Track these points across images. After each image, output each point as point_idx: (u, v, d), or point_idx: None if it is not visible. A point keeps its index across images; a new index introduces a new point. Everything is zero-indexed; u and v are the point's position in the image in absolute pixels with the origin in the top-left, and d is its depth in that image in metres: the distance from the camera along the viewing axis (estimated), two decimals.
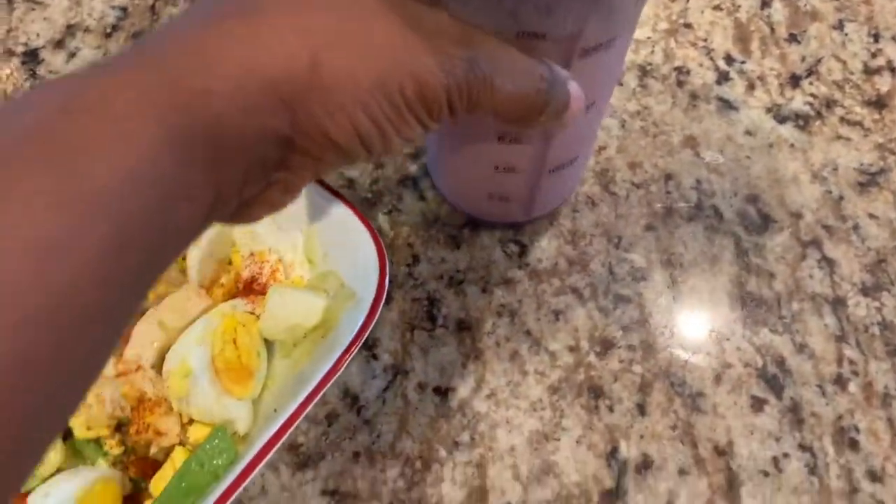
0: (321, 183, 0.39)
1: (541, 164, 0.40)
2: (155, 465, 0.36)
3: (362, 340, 0.36)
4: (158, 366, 0.37)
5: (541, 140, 0.38)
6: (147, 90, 0.19)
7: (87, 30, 0.56)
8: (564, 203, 0.48)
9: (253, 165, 0.22)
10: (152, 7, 0.57)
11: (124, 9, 0.57)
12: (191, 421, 0.37)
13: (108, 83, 0.19)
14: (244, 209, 0.25)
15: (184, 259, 0.42)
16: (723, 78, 0.54)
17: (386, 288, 0.37)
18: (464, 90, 0.25)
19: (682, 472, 0.40)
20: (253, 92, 0.21)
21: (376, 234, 0.38)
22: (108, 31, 0.56)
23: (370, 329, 0.36)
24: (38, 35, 0.55)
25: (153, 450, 0.36)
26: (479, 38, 0.25)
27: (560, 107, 0.28)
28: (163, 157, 0.19)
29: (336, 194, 0.39)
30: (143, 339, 0.37)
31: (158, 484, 0.35)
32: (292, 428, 0.34)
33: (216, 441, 0.34)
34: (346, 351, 0.35)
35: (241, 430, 0.36)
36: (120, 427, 0.37)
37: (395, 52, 0.23)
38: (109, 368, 0.36)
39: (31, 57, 0.54)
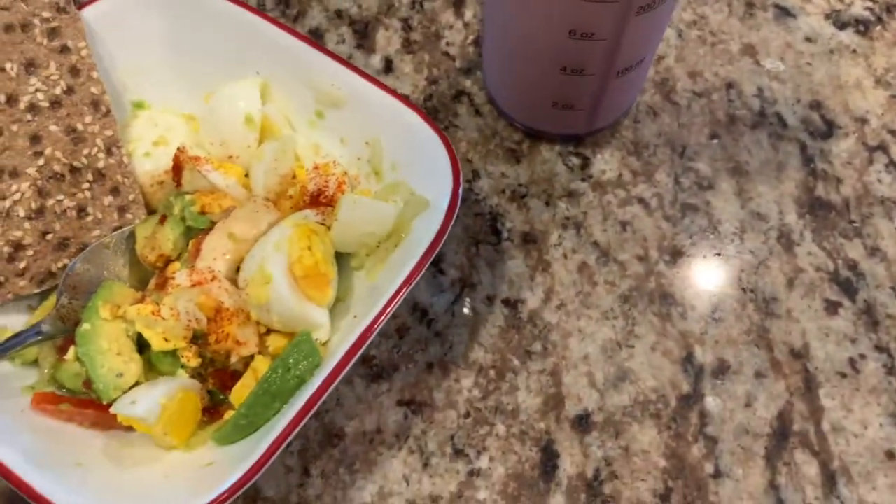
0: (388, 90, 0.38)
1: (610, 65, 0.39)
2: (234, 377, 0.36)
3: (441, 244, 0.35)
4: (232, 278, 0.37)
5: (614, 35, 0.37)
6: None
7: None
8: (625, 114, 0.47)
9: None
10: None
11: None
12: (268, 332, 0.37)
13: None
14: None
15: (247, 175, 0.41)
16: None
17: (461, 192, 0.36)
18: None
19: (758, 375, 0.40)
20: None
21: (446, 137, 0.37)
22: None
23: (447, 234, 0.35)
24: None
25: (233, 359, 0.35)
26: None
27: None
28: None
29: (404, 101, 0.38)
30: (214, 251, 0.37)
31: (239, 394, 0.35)
32: (375, 332, 0.33)
33: (301, 345, 0.33)
34: (426, 254, 0.34)
35: (322, 336, 0.36)
36: (196, 340, 0.36)
37: None
38: (184, 279, 0.36)
39: None
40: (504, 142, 0.46)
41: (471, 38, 0.50)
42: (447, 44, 0.50)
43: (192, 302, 0.36)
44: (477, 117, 0.47)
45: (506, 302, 0.42)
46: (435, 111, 0.48)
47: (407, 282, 0.34)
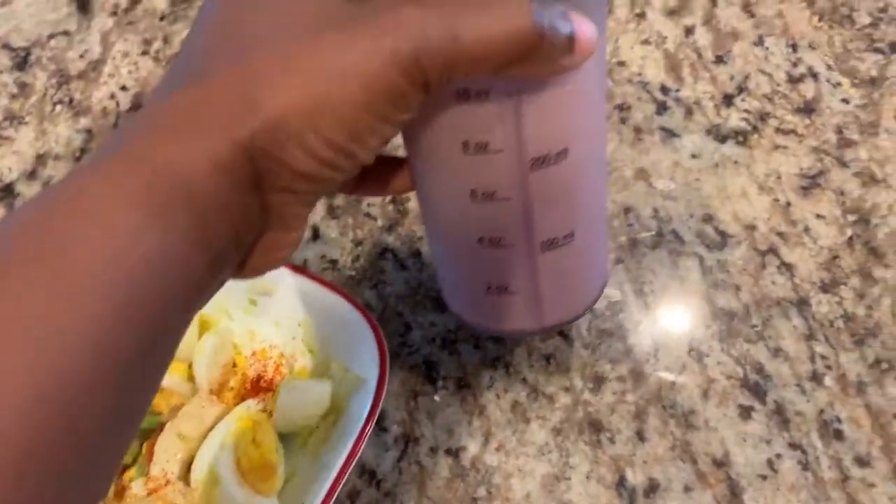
0: (308, 275, 0.42)
1: (529, 233, 0.33)
2: None
3: (373, 424, 0.38)
4: (185, 476, 0.39)
5: (518, 194, 0.32)
6: (117, 177, 0.21)
7: (56, 157, 0.58)
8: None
9: (237, 215, 0.24)
10: (115, 125, 0.59)
11: (88, 130, 0.59)
12: None
13: (80, 181, 0.21)
14: (256, 256, 0.26)
15: (190, 368, 0.44)
16: (661, 108, 0.57)
17: (388, 370, 0.39)
18: (426, 60, 0.22)
19: (687, 488, 0.43)
20: (214, 151, 0.22)
21: (370, 315, 0.41)
22: (77, 154, 0.58)
23: (378, 411, 0.38)
24: (10, 169, 0.57)
25: None
26: None
27: (561, 40, 0.24)
28: (145, 233, 0.21)
29: (324, 283, 0.42)
30: (165, 453, 0.39)
31: None
32: None
33: None
34: (360, 436, 0.37)
35: None
36: None
37: (332, 62, 0.22)
38: (140, 488, 0.38)
39: (7, 192, 0.56)
40: (429, 291, 0.50)
41: (388, 197, 0.54)
42: (368, 205, 0.54)
43: None
44: (403, 271, 0.51)
45: (448, 451, 0.45)
46: (363, 271, 0.51)
47: (347, 463, 0.37)
